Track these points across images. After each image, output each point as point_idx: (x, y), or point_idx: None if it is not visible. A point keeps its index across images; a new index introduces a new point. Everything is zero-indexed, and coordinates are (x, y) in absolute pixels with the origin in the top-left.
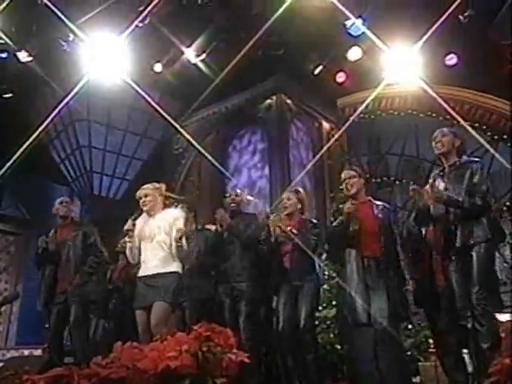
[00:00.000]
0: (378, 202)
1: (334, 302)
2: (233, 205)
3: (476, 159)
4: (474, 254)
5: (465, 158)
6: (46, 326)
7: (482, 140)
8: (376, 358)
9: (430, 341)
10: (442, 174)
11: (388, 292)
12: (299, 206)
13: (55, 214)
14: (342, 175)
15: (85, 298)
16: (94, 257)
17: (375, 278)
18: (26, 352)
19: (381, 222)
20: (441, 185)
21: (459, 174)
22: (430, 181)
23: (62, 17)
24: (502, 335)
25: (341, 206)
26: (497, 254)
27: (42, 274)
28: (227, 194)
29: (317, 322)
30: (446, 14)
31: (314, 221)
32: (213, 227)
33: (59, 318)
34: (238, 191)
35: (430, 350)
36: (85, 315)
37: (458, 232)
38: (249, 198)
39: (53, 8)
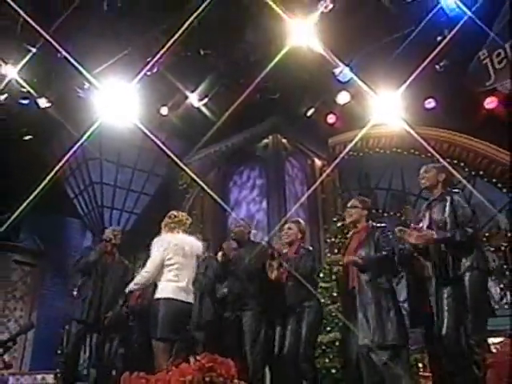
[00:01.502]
0: (373, 224)
1: (328, 328)
2: (239, 235)
3: (455, 190)
4: (465, 283)
5: (447, 190)
6: (59, 351)
7: (459, 177)
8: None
9: (420, 364)
10: (429, 206)
11: (380, 320)
12: (300, 236)
13: (110, 239)
14: (348, 204)
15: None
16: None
17: (367, 307)
18: (39, 377)
19: (367, 252)
20: (426, 220)
21: (442, 206)
22: (420, 215)
23: (79, 67)
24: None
25: (333, 239)
26: None
27: (94, 287)
28: (238, 224)
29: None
30: (424, 63)
31: (310, 248)
32: (218, 255)
33: (81, 341)
34: (246, 222)
35: (420, 373)
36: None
37: (449, 262)
38: None
39: (70, 59)
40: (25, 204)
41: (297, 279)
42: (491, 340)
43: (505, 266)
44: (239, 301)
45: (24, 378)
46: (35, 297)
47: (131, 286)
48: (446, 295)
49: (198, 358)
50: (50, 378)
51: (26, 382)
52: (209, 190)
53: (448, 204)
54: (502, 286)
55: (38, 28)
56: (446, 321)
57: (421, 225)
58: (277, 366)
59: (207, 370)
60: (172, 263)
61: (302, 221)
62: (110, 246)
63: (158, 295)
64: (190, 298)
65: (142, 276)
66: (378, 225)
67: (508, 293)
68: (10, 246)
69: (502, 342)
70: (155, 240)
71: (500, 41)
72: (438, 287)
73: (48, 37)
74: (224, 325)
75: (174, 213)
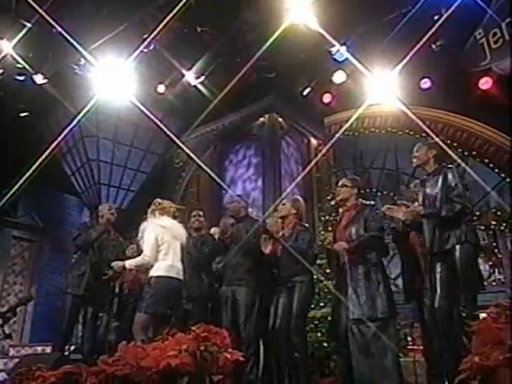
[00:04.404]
0: (362, 202)
1: (321, 304)
2: (234, 211)
3: (449, 165)
4: (456, 257)
5: (441, 166)
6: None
7: (454, 155)
8: (357, 354)
9: (409, 338)
10: (423, 183)
11: (370, 294)
12: (293, 212)
13: (108, 218)
14: (338, 183)
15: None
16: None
17: (357, 282)
18: (39, 349)
19: (356, 229)
20: (420, 195)
21: (435, 180)
22: (413, 193)
23: (75, 43)
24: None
25: (327, 217)
26: None
27: (90, 263)
28: (232, 200)
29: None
30: (420, 43)
31: (306, 225)
32: (214, 230)
33: (76, 315)
34: (241, 198)
35: (409, 346)
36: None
37: (437, 236)
38: None
39: (66, 35)
40: (22, 180)
41: (292, 254)
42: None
43: (494, 244)
44: (234, 275)
45: (24, 350)
46: (34, 271)
47: (129, 263)
48: (438, 269)
49: (193, 328)
50: (49, 349)
51: (26, 354)
52: (205, 168)
53: (441, 179)
54: (490, 263)
55: (33, 3)
56: (438, 294)
57: (416, 203)
58: (269, 340)
59: (202, 339)
60: (162, 243)
61: (300, 198)
62: (108, 225)
63: (151, 273)
64: (180, 275)
65: (143, 258)
66: (368, 203)
67: (496, 270)
68: (8, 222)
69: (489, 310)
70: (143, 226)
71: (497, 19)
72: (431, 261)
73: (43, 12)
74: (219, 299)
75: (159, 200)
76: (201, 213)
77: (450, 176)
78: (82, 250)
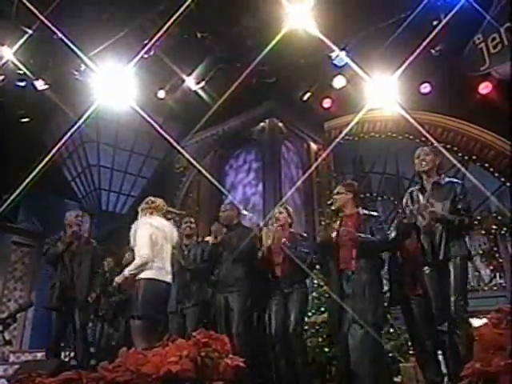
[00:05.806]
0: (365, 212)
1: (322, 309)
2: (227, 219)
3: (458, 181)
4: (452, 265)
5: (446, 178)
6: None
7: (454, 160)
8: (356, 359)
9: (410, 343)
10: (422, 190)
11: (363, 300)
12: (289, 221)
13: (75, 231)
14: (334, 191)
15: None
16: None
17: (352, 288)
18: (39, 355)
19: (358, 236)
20: (421, 200)
21: (443, 194)
22: (406, 197)
23: (75, 49)
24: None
25: (328, 221)
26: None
27: (60, 274)
28: (225, 209)
29: (306, 327)
30: (420, 48)
31: (304, 234)
32: (210, 238)
33: (64, 320)
34: (233, 205)
35: (410, 352)
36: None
37: (442, 246)
38: (244, 212)
39: (67, 42)
40: (22, 186)
41: (292, 262)
42: (478, 320)
43: (494, 249)
44: (227, 283)
45: (24, 356)
46: (34, 277)
47: (128, 270)
48: (431, 278)
49: (193, 334)
50: None
51: (25, 360)
52: (205, 173)
53: (451, 195)
54: (491, 267)
55: (34, 9)
56: (433, 301)
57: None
58: (267, 346)
59: (202, 345)
60: (155, 244)
61: (288, 206)
62: (76, 233)
63: (140, 275)
64: (168, 278)
65: (141, 258)
66: (370, 213)
67: (497, 274)
68: (8, 227)
69: (489, 315)
70: (135, 226)
71: (496, 24)
72: (426, 269)
73: (44, 18)
74: (213, 306)
75: (152, 198)
76: (192, 220)
77: (461, 195)
78: (51, 264)
